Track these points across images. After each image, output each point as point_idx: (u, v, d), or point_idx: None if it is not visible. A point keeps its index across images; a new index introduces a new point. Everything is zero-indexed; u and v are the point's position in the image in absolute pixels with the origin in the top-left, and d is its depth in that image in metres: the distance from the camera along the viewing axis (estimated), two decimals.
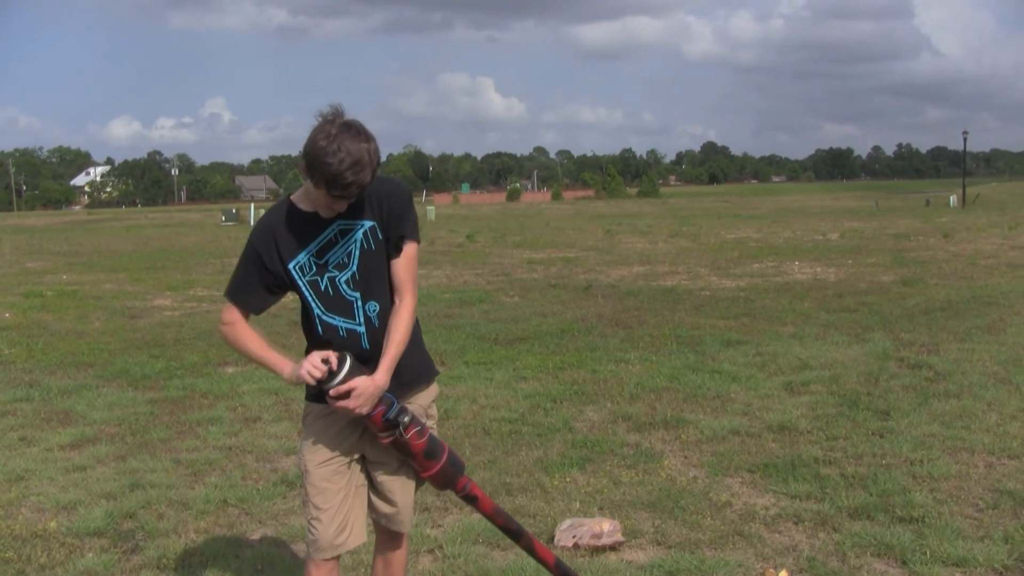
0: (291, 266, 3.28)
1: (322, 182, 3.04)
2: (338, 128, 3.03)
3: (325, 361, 3.15)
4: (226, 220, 58.41)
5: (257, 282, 3.32)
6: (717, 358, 9.82)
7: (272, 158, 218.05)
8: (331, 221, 3.26)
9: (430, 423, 3.54)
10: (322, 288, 3.29)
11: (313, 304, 3.31)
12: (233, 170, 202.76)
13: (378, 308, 3.34)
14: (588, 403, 8.06)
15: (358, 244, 3.29)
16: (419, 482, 3.56)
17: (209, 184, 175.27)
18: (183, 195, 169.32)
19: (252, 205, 64.38)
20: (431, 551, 4.92)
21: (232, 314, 3.37)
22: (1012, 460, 6.15)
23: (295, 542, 5.11)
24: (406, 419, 3.27)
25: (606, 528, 4.97)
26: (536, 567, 4.58)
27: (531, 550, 3.70)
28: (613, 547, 4.89)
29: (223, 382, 9.15)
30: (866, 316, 12.47)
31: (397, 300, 3.36)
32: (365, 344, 3.31)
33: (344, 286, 3.30)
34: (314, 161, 3.02)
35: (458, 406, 7.91)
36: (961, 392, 7.92)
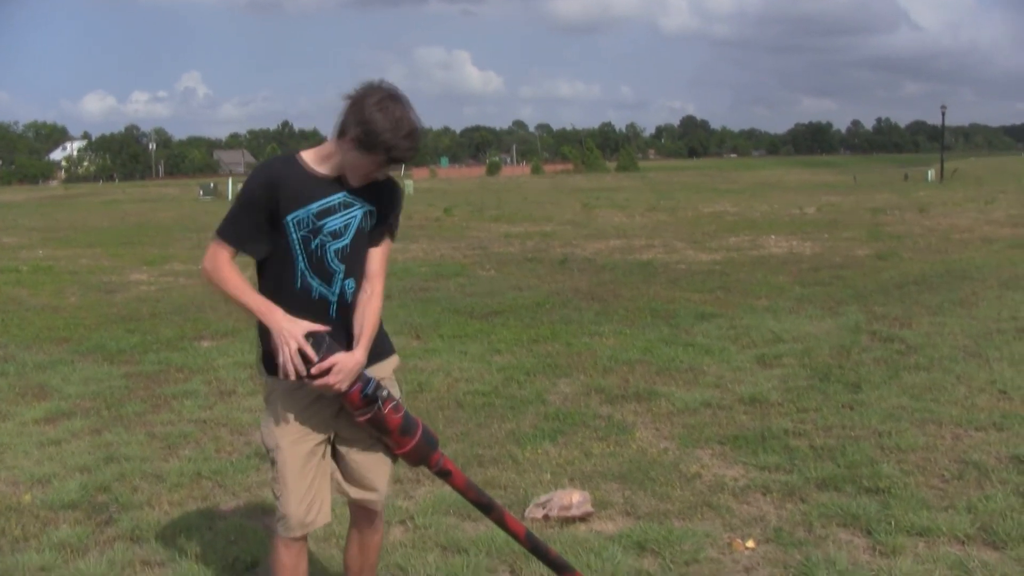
0: (289, 218, 3.26)
1: (380, 150, 3.12)
2: (389, 97, 3.13)
3: (309, 336, 3.16)
4: (204, 194, 58.15)
5: (252, 224, 3.29)
6: (691, 331, 9.89)
7: (250, 132, 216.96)
8: (337, 190, 3.30)
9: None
10: (312, 247, 3.29)
11: (299, 258, 3.29)
12: (211, 144, 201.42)
13: (353, 287, 3.38)
14: (562, 376, 8.11)
15: (356, 221, 3.35)
16: (394, 459, 3.57)
17: (187, 159, 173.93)
18: (161, 169, 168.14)
19: (230, 179, 64.14)
20: (402, 522, 4.96)
21: (220, 254, 3.30)
22: (979, 432, 6.24)
23: (268, 514, 5.13)
24: (383, 394, 3.29)
25: (576, 500, 5.01)
26: (506, 537, 4.62)
27: (502, 523, 3.73)
28: (583, 518, 4.94)
29: (198, 356, 9.16)
30: (840, 290, 12.56)
31: (368, 286, 3.41)
32: (332, 313, 3.35)
33: (332, 255, 3.32)
34: (372, 130, 3.08)
35: (432, 379, 7.94)
36: (931, 365, 8.01)
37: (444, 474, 3.56)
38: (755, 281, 13.64)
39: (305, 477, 3.40)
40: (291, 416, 3.37)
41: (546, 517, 4.94)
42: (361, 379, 3.26)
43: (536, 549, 3.82)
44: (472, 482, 3.71)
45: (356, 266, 3.38)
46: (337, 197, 3.30)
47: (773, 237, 20.90)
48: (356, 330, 3.35)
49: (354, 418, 3.33)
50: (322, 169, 3.29)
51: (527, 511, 5.01)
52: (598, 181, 72.09)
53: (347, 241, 3.33)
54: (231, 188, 58.44)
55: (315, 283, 3.32)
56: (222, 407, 7.34)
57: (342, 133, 3.17)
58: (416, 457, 3.46)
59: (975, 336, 9.15)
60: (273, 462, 3.42)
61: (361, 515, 3.66)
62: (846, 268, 14.95)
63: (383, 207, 3.41)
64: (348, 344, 3.32)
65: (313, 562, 4.34)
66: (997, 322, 9.86)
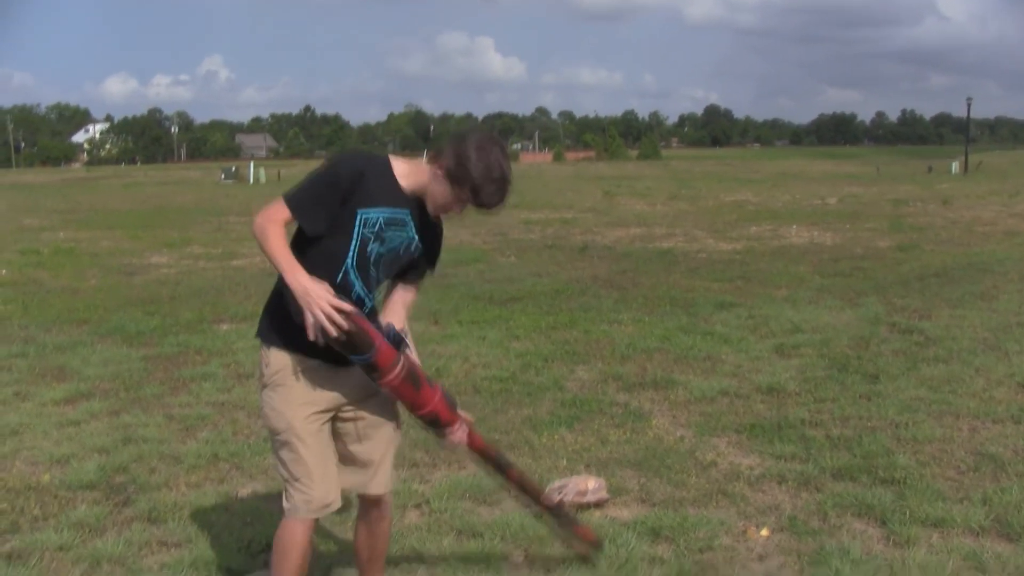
0: (361, 212, 3.27)
1: (467, 189, 3.21)
2: (491, 140, 3.27)
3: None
4: (225, 178, 58.28)
5: (322, 202, 3.26)
6: (709, 320, 9.87)
7: (272, 116, 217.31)
8: (408, 207, 3.35)
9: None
10: (368, 250, 3.31)
11: (351, 255, 3.30)
12: (233, 128, 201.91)
13: (375, 299, 3.46)
14: (579, 363, 8.12)
15: (405, 243, 3.40)
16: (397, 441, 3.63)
17: (209, 142, 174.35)
18: (183, 153, 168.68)
19: (252, 163, 64.24)
20: (418, 506, 4.98)
21: (277, 213, 3.25)
22: (996, 424, 6.22)
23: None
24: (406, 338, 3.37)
25: (591, 486, 5.03)
26: (521, 521, 4.66)
27: (522, 482, 3.82)
28: (598, 504, 4.96)
29: (217, 339, 9.21)
30: (860, 281, 12.51)
31: (395, 305, 3.54)
32: (366, 304, 3.39)
33: (381, 262, 3.37)
34: (463, 165, 3.19)
35: (450, 364, 7.96)
36: (950, 357, 7.97)
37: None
38: (775, 271, 13.60)
39: (325, 457, 3.41)
40: (308, 392, 3.36)
41: (561, 503, 4.94)
42: (382, 329, 3.29)
43: (555, 511, 3.97)
44: (490, 443, 3.76)
45: (384, 280, 3.47)
46: (405, 213, 3.35)
47: (794, 227, 20.82)
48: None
49: (385, 381, 3.28)
50: (403, 182, 3.34)
51: (542, 497, 5.02)
52: (620, 169, 71.93)
53: (393, 257, 3.39)
54: (252, 172, 58.66)
55: (357, 284, 3.33)
56: (240, 390, 7.37)
57: (436, 159, 3.27)
58: (445, 409, 3.46)
59: (995, 329, 9.10)
60: (284, 443, 3.39)
61: (369, 501, 3.66)
62: (867, 259, 14.88)
63: (428, 244, 3.49)
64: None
65: (322, 551, 4.39)
66: (1017, 315, 9.80)
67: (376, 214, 3.28)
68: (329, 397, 3.41)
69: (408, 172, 3.35)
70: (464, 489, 5.13)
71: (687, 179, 50.59)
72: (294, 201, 3.26)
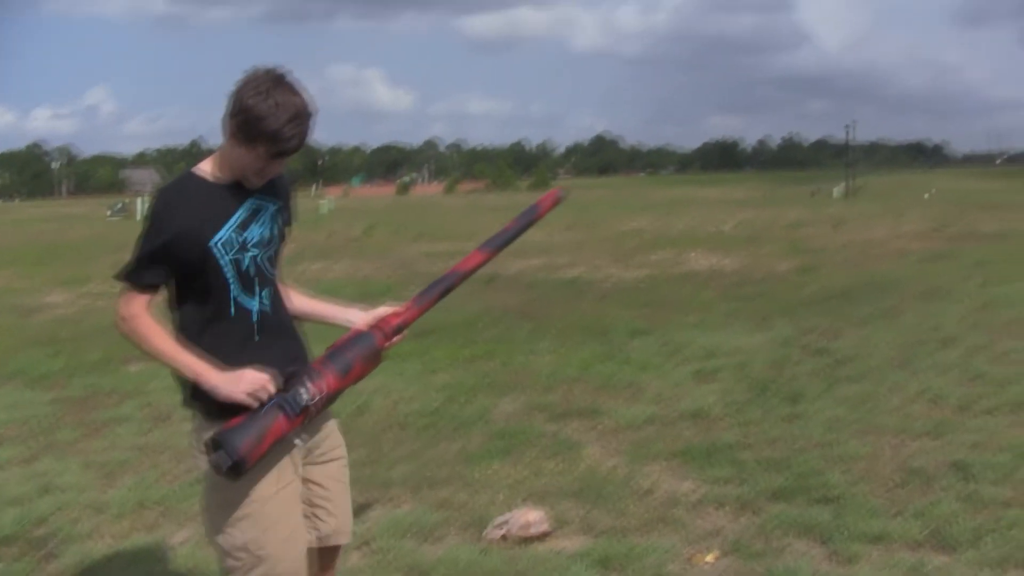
0: (212, 243, 2.93)
1: (261, 140, 2.83)
2: (270, 80, 2.83)
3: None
4: (113, 214, 57.22)
5: (165, 262, 2.93)
6: (625, 348, 9.93)
7: (159, 150, 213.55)
8: (245, 197, 3.02)
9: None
10: (244, 267, 3.00)
11: (232, 284, 2.98)
12: (119, 162, 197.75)
13: (272, 294, 3.13)
14: (503, 394, 8.08)
15: (268, 223, 3.09)
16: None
17: (94, 177, 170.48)
18: (67, 188, 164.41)
19: (140, 198, 63.11)
20: (359, 547, 4.87)
21: (135, 304, 2.95)
22: (917, 440, 6.36)
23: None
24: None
25: (533, 518, 4.99)
26: (468, 558, 4.61)
27: (463, 273, 3.67)
28: (542, 537, 4.92)
29: (128, 380, 8.95)
30: (766, 304, 12.73)
31: (281, 285, 3.21)
32: (256, 336, 3.07)
33: (267, 264, 3.08)
34: (248, 118, 2.80)
35: (372, 400, 7.85)
36: (864, 376, 8.15)
37: (400, 329, 3.31)
38: (682, 297, 13.77)
39: (299, 521, 3.16)
40: (271, 459, 3.02)
41: (505, 537, 4.91)
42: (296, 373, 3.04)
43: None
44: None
45: (274, 271, 3.14)
46: (249, 203, 3.03)
47: (694, 253, 21.12)
48: (320, 309, 3.36)
49: (328, 403, 3.08)
50: (223, 178, 3.00)
51: (486, 532, 4.97)
52: (512, 200, 72.11)
53: (272, 247, 3.10)
54: (141, 207, 57.60)
55: (250, 304, 3.05)
56: (159, 432, 7.16)
57: (224, 128, 2.90)
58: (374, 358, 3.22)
59: (903, 347, 9.34)
60: (251, 525, 3.05)
61: (324, 557, 3.34)
62: (769, 283, 15.17)
63: (286, 200, 3.19)
64: (283, 361, 3.06)
65: None
66: (921, 332, 10.08)
67: (224, 233, 2.96)
68: (293, 462, 3.15)
69: (220, 163, 2.99)
70: (406, 527, 5.05)
71: (581, 208, 51.02)
72: (138, 278, 2.96)
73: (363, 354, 3.16)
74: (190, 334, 3.01)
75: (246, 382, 2.90)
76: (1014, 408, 6.98)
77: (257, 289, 3.07)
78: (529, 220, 3.80)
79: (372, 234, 32.35)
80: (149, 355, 3.00)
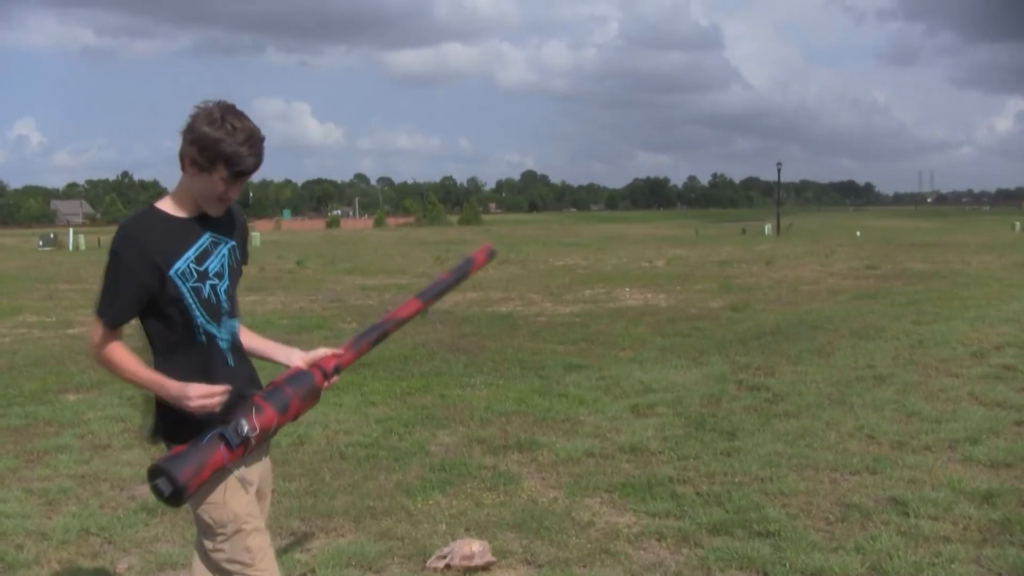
0: (172, 273, 3.06)
1: (219, 162, 2.97)
2: (221, 110, 2.99)
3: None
4: (44, 245, 56.53)
5: (132, 294, 3.05)
6: (562, 382, 9.96)
7: (88, 182, 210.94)
8: (203, 230, 3.16)
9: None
10: (205, 295, 3.13)
11: (196, 312, 3.11)
12: (48, 194, 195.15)
13: (237, 326, 3.30)
14: (440, 427, 8.06)
15: (226, 258, 3.23)
16: None
17: (23, 208, 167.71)
18: None
19: (71, 230, 62.44)
20: None
21: (105, 335, 3.09)
22: (854, 476, 6.45)
23: (164, 570, 4.96)
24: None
25: (476, 549, 4.97)
26: None
27: (398, 320, 3.65)
28: (485, 567, 4.91)
29: (66, 409, 8.80)
30: (701, 340, 12.85)
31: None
32: (230, 361, 3.24)
33: (224, 295, 3.20)
34: (206, 143, 2.94)
35: (311, 432, 7.79)
36: (800, 412, 8.26)
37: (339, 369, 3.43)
38: (617, 332, 13.85)
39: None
40: (245, 486, 3.22)
41: (448, 567, 4.88)
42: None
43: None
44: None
45: (235, 304, 3.29)
46: (206, 237, 3.17)
47: (627, 289, 21.29)
48: (263, 347, 3.43)
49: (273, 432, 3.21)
50: (182, 212, 3.14)
51: (428, 562, 4.95)
52: (443, 234, 72.32)
53: (228, 281, 3.22)
54: (72, 239, 57.00)
55: (217, 331, 3.18)
56: (99, 461, 7.06)
57: (182, 161, 3.05)
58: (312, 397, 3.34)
59: (836, 383, 9.48)
60: (230, 536, 3.20)
61: None
62: (703, 319, 15.31)
63: (242, 239, 3.36)
64: (248, 386, 3.23)
65: None
66: (855, 370, 10.24)
67: (182, 263, 3.08)
68: (257, 469, 3.32)
69: (179, 199, 3.14)
70: (348, 557, 5.01)
71: (512, 243, 51.21)
72: (108, 313, 3.07)
73: (302, 393, 3.27)
74: (162, 360, 3.15)
75: (196, 393, 3.01)
76: (950, 445, 7.11)
77: (224, 317, 3.21)
78: (464, 273, 3.89)
79: (305, 267, 32.18)
80: (123, 380, 3.16)
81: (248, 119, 3.03)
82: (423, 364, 11.29)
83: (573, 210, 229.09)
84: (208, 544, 3.21)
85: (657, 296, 19.69)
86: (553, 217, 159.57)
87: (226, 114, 2.98)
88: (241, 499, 3.19)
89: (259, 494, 3.37)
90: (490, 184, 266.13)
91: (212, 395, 3.02)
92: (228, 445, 3.04)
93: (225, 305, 3.21)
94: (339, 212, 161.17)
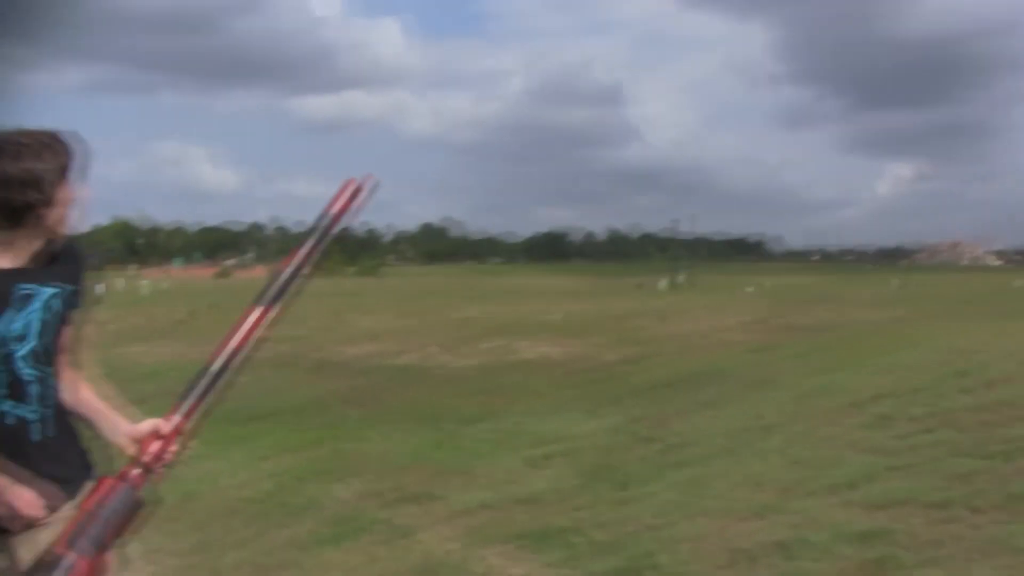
0: None
1: (18, 192, 2.60)
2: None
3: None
4: None
5: None
6: (458, 435, 9.96)
7: None
8: (11, 284, 2.66)
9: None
10: (13, 365, 2.66)
11: None
12: None
13: (54, 389, 2.78)
14: (334, 481, 7.98)
15: (40, 312, 2.71)
16: None
17: None
18: None
19: None
20: None
21: None
22: (742, 522, 6.54)
23: None
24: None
25: None
26: None
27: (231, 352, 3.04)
28: None
29: None
30: (596, 392, 12.98)
31: (74, 373, 2.87)
32: (35, 435, 2.72)
33: (20, 363, 2.68)
34: (10, 171, 2.60)
35: (200, 487, 7.64)
36: (692, 462, 8.36)
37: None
38: (514, 385, 13.93)
39: None
40: None
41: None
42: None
43: None
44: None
45: (54, 363, 2.77)
46: (13, 293, 2.66)
47: (525, 342, 21.39)
48: (94, 411, 2.88)
49: None
50: None
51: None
52: (339, 286, 71.64)
53: (35, 340, 2.70)
54: None
55: (8, 406, 2.68)
56: None
57: None
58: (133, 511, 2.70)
59: (728, 434, 9.63)
60: None
61: None
62: (599, 372, 15.48)
63: (74, 280, 2.82)
64: (63, 467, 2.76)
65: None
66: (746, 420, 10.41)
67: None
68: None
69: None
70: None
71: (410, 295, 51.18)
72: None
73: (116, 518, 2.65)
74: None
75: (6, 499, 2.60)
76: (832, 490, 7.26)
77: (20, 390, 2.70)
78: (324, 232, 2.98)
79: (197, 316, 31.65)
80: None
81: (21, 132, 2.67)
82: (317, 417, 11.21)
83: (471, 263, 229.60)
84: None
85: (554, 349, 19.82)
86: (452, 269, 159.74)
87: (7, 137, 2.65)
88: None
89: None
90: (389, 235, 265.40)
91: (26, 504, 2.60)
92: None
93: (26, 374, 2.70)
94: (233, 262, 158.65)
